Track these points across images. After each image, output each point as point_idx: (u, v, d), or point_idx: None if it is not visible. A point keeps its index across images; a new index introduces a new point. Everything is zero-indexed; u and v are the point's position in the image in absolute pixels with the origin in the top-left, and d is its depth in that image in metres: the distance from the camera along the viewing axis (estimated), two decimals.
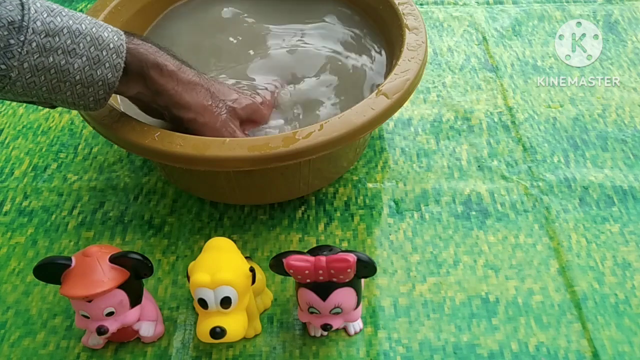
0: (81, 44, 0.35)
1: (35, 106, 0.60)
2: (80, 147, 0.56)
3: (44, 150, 0.56)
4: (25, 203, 0.51)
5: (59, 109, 0.60)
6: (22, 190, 0.52)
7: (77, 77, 0.35)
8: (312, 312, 0.38)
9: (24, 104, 0.61)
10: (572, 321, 0.42)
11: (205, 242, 0.38)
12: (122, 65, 0.37)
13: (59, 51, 0.34)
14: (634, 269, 0.45)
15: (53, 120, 0.59)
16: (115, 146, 0.53)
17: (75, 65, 0.35)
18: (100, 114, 0.42)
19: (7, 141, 0.57)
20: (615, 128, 0.56)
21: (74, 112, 0.60)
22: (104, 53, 0.36)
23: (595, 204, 0.50)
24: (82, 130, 0.58)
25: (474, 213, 0.49)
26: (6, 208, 0.51)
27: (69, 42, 0.34)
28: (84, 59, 0.35)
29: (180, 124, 0.42)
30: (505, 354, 0.41)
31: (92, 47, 0.35)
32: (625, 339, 0.41)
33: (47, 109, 0.60)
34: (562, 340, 0.41)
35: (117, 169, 0.54)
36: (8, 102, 0.61)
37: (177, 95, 0.41)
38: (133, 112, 0.46)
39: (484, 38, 0.67)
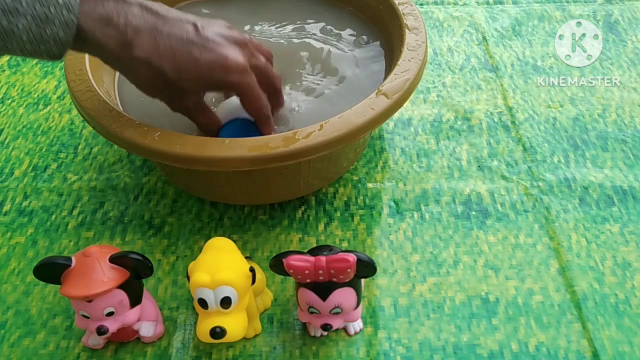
0: (24, 2, 0.32)
1: (35, 106, 0.60)
2: (80, 147, 0.56)
3: (44, 150, 0.56)
4: (25, 203, 0.51)
5: (59, 108, 0.60)
6: (22, 190, 0.52)
7: (24, 38, 0.33)
8: (312, 312, 0.38)
9: (24, 104, 0.61)
10: (572, 321, 0.42)
11: (205, 242, 0.38)
12: (75, 21, 0.34)
13: None
14: (634, 269, 0.45)
15: (53, 120, 0.59)
16: (115, 146, 0.53)
17: (20, 26, 0.32)
18: (101, 114, 0.42)
19: (7, 141, 0.57)
20: (615, 128, 0.56)
21: (74, 112, 0.60)
22: (52, 10, 0.33)
23: (595, 204, 0.50)
24: (82, 130, 0.58)
25: (474, 213, 0.49)
26: (6, 208, 0.51)
27: (8, 0, 0.32)
28: (29, 17, 0.32)
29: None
30: (505, 354, 0.41)
31: (37, 4, 0.32)
32: (625, 339, 0.41)
33: (47, 110, 0.60)
34: (562, 340, 0.41)
35: (117, 169, 0.54)
36: (8, 102, 0.61)
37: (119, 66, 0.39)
38: (133, 111, 0.46)
39: (484, 38, 0.67)
